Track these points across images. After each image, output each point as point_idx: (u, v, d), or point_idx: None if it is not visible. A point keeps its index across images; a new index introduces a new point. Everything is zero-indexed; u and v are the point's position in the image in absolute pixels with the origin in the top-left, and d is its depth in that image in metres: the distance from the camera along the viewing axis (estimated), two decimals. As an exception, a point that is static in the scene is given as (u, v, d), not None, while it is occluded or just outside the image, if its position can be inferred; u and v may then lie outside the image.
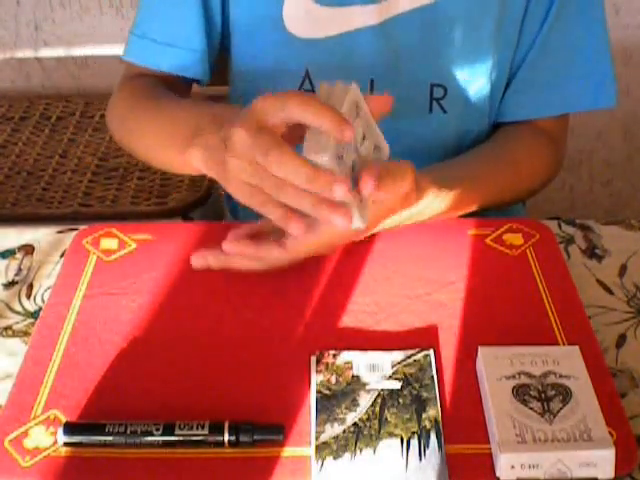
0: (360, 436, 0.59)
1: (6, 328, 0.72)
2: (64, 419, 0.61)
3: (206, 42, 0.91)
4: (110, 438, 0.59)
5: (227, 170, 0.65)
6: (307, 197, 0.63)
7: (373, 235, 0.76)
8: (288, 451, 0.59)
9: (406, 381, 0.63)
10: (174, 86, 0.92)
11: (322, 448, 0.59)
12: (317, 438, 0.59)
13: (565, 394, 0.60)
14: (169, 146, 0.77)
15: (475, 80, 0.91)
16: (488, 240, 0.79)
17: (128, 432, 0.59)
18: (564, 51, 0.91)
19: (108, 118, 0.95)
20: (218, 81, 0.99)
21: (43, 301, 0.75)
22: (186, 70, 0.92)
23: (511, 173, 0.89)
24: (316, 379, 0.64)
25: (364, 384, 0.63)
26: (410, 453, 0.58)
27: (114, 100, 0.94)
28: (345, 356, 0.65)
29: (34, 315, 0.73)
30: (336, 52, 0.89)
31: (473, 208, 0.83)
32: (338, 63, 0.90)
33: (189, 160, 0.71)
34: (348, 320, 0.70)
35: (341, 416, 0.61)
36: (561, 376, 0.62)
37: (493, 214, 0.86)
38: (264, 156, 0.62)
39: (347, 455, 0.58)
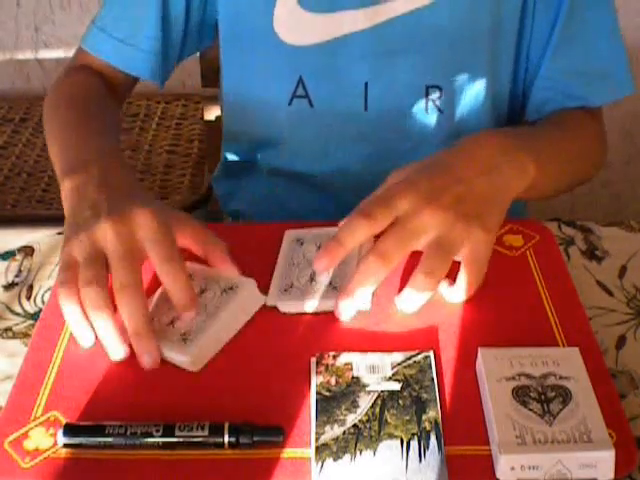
0: (360, 437, 0.59)
1: (6, 329, 0.72)
2: (64, 420, 0.61)
3: (162, 45, 0.91)
4: (110, 439, 0.59)
5: (83, 238, 0.66)
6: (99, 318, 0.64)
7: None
8: (288, 452, 0.59)
9: (406, 382, 0.63)
10: (119, 81, 0.94)
11: (322, 449, 0.59)
12: (317, 439, 0.59)
13: (565, 395, 0.60)
14: (60, 163, 0.78)
15: (472, 80, 0.91)
16: (488, 241, 0.79)
17: (128, 433, 0.59)
18: (584, 41, 0.90)
19: (45, 100, 0.94)
20: (216, 83, 0.99)
21: (43, 302, 0.75)
22: (138, 69, 0.93)
23: (578, 143, 0.89)
24: (316, 380, 0.64)
25: (364, 385, 0.63)
26: (410, 454, 0.58)
27: (55, 87, 0.94)
28: (345, 357, 0.65)
29: (34, 316, 0.73)
30: (329, 57, 0.89)
31: (560, 177, 0.81)
32: (331, 68, 0.90)
33: (62, 187, 0.72)
34: (348, 321, 0.70)
35: (341, 417, 0.61)
36: (561, 377, 0.62)
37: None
38: (119, 286, 0.64)
39: (347, 456, 0.58)
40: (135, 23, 0.91)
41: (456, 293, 0.70)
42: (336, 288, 0.70)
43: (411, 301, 0.68)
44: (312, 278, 0.71)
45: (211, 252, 0.70)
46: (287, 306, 0.70)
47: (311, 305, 0.69)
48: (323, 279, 0.71)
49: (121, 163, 0.76)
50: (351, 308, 0.68)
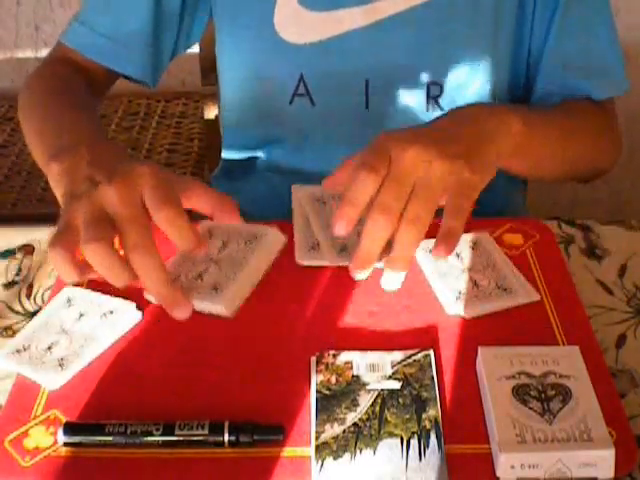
0: (360, 436, 0.59)
1: (6, 328, 0.72)
2: (64, 419, 0.61)
3: (153, 44, 0.90)
4: (110, 438, 0.59)
5: (76, 206, 0.63)
6: (111, 270, 0.60)
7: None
8: (288, 451, 0.59)
9: (406, 381, 0.63)
10: (99, 76, 0.91)
11: (322, 448, 0.59)
12: (317, 438, 0.59)
13: (565, 394, 0.60)
14: (43, 148, 0.76)
15: (472, 77, 0.91)
16: (488, 240, 0.79)
17: (128, 432, 0.59)
18: (582, 36, 0.90)
19: (22, 90, 0.93)
20: (216, 81, 0.99)
21: (43, 301, 0.75)
22: (125, 68, 0.91)
23: (579, 122, 0.88)
24: (316, 379, 0.64)
25: (364, 384, 0.63)
26: (410, 453, 0.58)
27: (33, 77, 0.92)
28: (345, 356, 0.65)
29: (34, 315, 0.73)
30: (329, 55, 0.89)
31: (555, 147, 0.80)
32: (332, 66, 0.90)
33: (48, 171, 0.69)
34: (348, 320, 0.70)
35: (341, 416, 0.61)
36: (561, 376, 0.62)
37: (493, 214, 0.86)
38: (132, 245, 0.60)
39: (347, 455, 0.58)
40: (121, 17, 0.89)
41: (441, 234, 0.64)
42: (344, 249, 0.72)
43: (401, 258, 0.63)
44: (317, 243, 0.72)
45: (219, 210, 0.67)
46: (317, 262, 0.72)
47: (342, 259, 0.71)
48: (330, 244, 0.73)
49: (111, 144, 0.73)
50: (366, 270, 0.64)
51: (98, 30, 0.90)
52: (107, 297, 0.70)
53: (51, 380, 0.64)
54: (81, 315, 0.69)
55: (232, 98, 0.97)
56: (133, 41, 0.90)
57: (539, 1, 0.90)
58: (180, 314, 0.63)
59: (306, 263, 0.74)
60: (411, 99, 0.91)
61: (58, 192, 0.67)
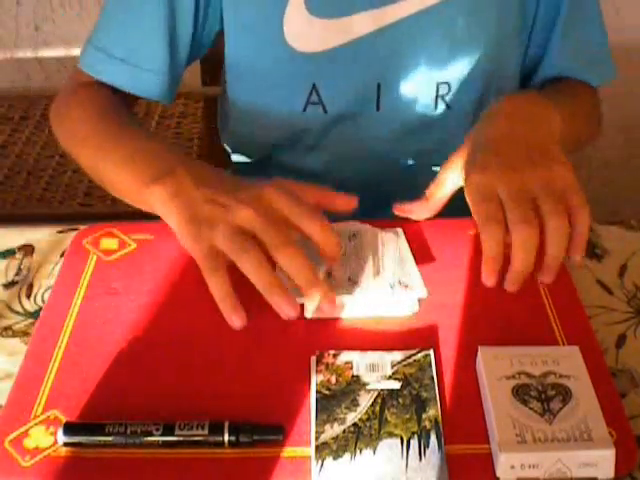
0: (360, 436, 0.59)
1: (6, 328, 0.72)
2: (64, 419, 0.61)
3: (169, 64, 0.89)
4: (110, 438, 0.59)
5: (210, 232, 0.65)
6: (265, 277, 0.64)
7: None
8: (288, 451, 0.59)
9: (406, 381, 0.63)
10: (123, 97, 0.90)
11: (322, 448, 0.59)
12: (317, 438, 0.59)
13: (565, 394, 0.60)
14: (131, 175, 0.74)
15: (480, 75, 0.92)
16: (488, 240, 0.79)
17: (128, 432, 0.59)
18: (584, 28, 0.95)
19: (53, 116, 0.92)
20: (216, 81, 0.98)
21: (43, 301, 0.75)
22: (144, 90, 0.90)
23: (583, 106, 0.95)
24: (316, 379, 0.64)
25: (364, 384, 0.63)
26: (410, 453, 0.58)
27: (65, 103, 0.91)
28: (345, 356, 0.65)
29: (34, 315, 0.73)
30: (341, 63, 0.89)
31: (570, 127, 0.82)
32: (344, 73, 0.90)
33: (148, 196, 0.70)
34: (348, 320, 0.70)
35: (341, 416, 0.61)
36: (561, 376, 0.62)
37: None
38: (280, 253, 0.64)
39: (347, 455, 0.58)
40: (138, 41, 0.88)
41: (579, 228, 0.69)
42: (355, 282, 0.70)
43: (524, 259, 0.66)
44: (329, 273, 0.71)
45: (320, 196, 0.71)
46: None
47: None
48: (341, 274, 0.71)
49: (199, 162, 0.75)
50: (521, 279, 0.68)
51: (114, 54, 0.88)
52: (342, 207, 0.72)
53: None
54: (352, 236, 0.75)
55: (242, 108, 0.96)
56: (150, 63, 0.89)
57: (542, 1, 0.92)
58: (333, 308, 0.67)
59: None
60: (421, 98, 0.92)
61: (170, 215, 0.68)
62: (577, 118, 0.88)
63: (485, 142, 0.74)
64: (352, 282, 0.70)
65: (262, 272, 0.64)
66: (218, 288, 0.64)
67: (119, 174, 0.77)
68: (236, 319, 0.64)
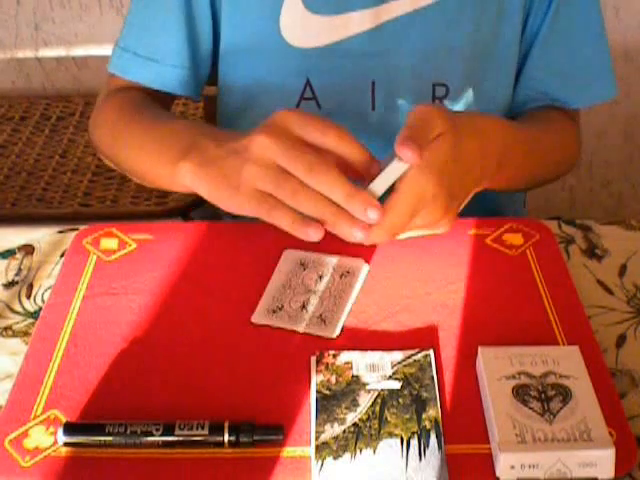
0: (360, 436, 0.59)
1: (6, 328, 0.72)
2: (64, 419, 0.61)
3: (191, 58, 0.91)
4: (110, 438, 0.59)
5: (240, 178, 0.66)
6: (328, 206, 0.64)
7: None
8: (288, 451, 0.59)
9: (406, 381, 0.63)
10: (157, 99, 0.92)
11: (322, 448, 0.59)
12: (317, 438, 0.59)
13: (565, 394, 0.60)
14: (159, 159, 0.77)
15: (477, 78, 0.91)
16: (488, 240, 0.79)
17: (128, 432, 0.59)
18: (569, 42, 0.92)
19: (92, 128, 0.94)
20: (216, 82, 0.99)
21: (43, 301, 0.75)
22: (168, 85, 0.92)
23: (550, 137, 0.90)
24: (316, 379, 0.64)
25: (364, 384, 0.63)
26: (410, 453, 0.58)
27: (101, 111, 0.93)
28: (345, 356, 0.66)
29: (34, 315, 0.73)
30: (336, 59, 0.89)
31: (520, 161, 0.82)
32: (339, 69, 0.90)
33: (177, 174, 0.71)
34: (348, 320, 0.70)
35: (341, 416, 0.61)
36: (561, 376, 0.62)
37: (493, 214, 0.86)
38: (307, 171, 0.64)
39: (347, 455, 0.58)
40: (159, 38, 0.90)
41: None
42: (324, 320, 0.70)
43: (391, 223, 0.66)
44: (304, 306, 0.71)
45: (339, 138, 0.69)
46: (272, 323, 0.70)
47: (297, 329, 0.69)
48: (314, 309, 0.71)
49: (218, 130, 0.76)
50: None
51: (138, 53, 0.91)
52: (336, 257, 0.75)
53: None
54: (320, 277, 0.74)
55: (235, 103, 0.96)
56: (172, 59, 0.90)
57: (533, 6, 0.91)
58: (374, 215, 0.64)
59: (262, 322, 0.70)
60: (417, 99, 0.91)
61: (201, 185, 0.70)
62: (537, 153, 0.86)
63: (440, 165, 0.69)
64: (321, 319, 0.70)
65: (300, 200, 0.64)
66: (283, 221, 0.65)
67: (151, 163, 0.79)
68: (313, 232, 0.64)
